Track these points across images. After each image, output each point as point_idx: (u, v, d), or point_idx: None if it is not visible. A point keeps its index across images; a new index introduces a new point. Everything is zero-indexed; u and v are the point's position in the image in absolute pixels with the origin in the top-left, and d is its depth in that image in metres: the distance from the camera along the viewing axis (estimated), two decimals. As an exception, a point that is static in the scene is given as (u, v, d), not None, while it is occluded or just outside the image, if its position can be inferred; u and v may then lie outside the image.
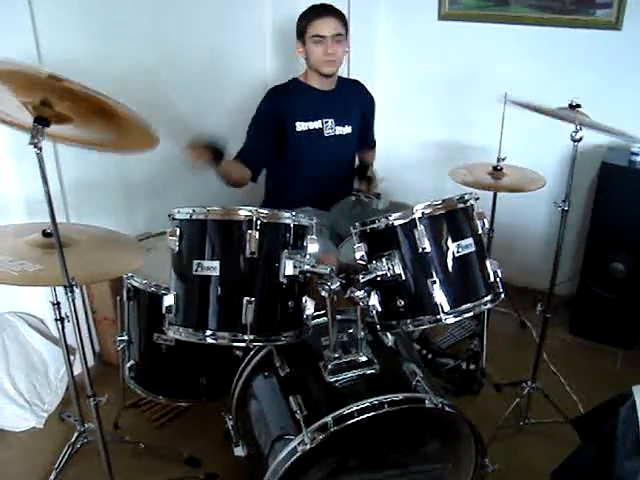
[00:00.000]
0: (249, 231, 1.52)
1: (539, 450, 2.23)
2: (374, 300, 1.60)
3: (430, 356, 2.65)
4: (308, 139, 2.46)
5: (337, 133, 2.53)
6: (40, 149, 1.41)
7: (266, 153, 2.45)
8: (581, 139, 1.92)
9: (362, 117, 2.65)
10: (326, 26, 2.33)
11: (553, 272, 2.18)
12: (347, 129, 2.55)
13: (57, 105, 1.42)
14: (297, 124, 2.44)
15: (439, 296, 1.56)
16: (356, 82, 2.73)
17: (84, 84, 1.38)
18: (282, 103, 2.44)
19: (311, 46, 2.36)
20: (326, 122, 2.50)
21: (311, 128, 2.47)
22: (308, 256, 1.62)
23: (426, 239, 1.55)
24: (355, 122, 2.58)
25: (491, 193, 2.62)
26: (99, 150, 1.72)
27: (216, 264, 1.54)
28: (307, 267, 1.59)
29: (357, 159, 2.74)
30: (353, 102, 2.59)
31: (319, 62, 2.38)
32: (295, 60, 2.57)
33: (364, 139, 2.75)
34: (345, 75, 3.16)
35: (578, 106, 1.95)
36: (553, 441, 2.21)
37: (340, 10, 2.39)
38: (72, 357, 2.01)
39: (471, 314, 1.62)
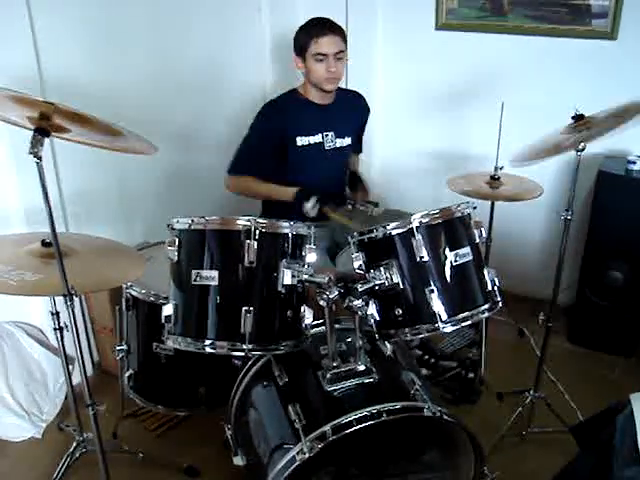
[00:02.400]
0: (247, 241, 1.53)
1: (542, 459, 2.22)
2: (372, 309, 1.61)
3: (433, 360, 2.64)
4: (309, 153, 2.45)
5: (337, 146, 2.52)
6: (40, 158, 1.43)
7: (268, 159, 2.44)
8: (584, 149, 1.93)
9: (358, 127, 2.66)
10: (329, 45, 2.30)
11: (556, 281, 2.18)
12: (347, 140, 2.56)
13: (55, 119, 1.44)
14: (298, 139, 2.43)
15: (437, 305, 1.56)
16: (356, 93, 2.72)
17: (77, 108, 1.40)
18: (281, 119, 2.42)
19: (313, 63, 2.33)
20: (326, 135, 2.49)
21: (312, 142, 2.46)
22: (306, 265, 1.63)
23: (424, 248, 1.56)
24: (354, 133, 2.59)
25: (489, 202, 2.62)
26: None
27: (215, 274, 1.55)
28: (305, 276, 1.60)
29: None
30: (352, 114, 2.59)
31: (321, 80, 2.36)
32: (294, 71, 2.58)
33: (355, 144, 2.72)
34: (343, 85, 3.18)
35: (582, 117, 1.96)
36: (556, 450, 2.20)
37: (340, 26, 2.37)
38: (71, 366, 2.01)
39: (469, 323, 1.62)
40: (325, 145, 2.50)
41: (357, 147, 2.78)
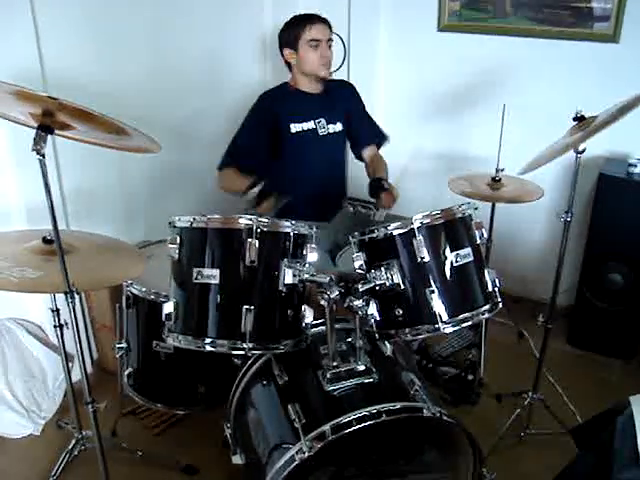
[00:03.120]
0: (249, 239, 1.53)
1: (540, 461, 2.22)
2: (373, 309, 1.61)
3: (431, 366, 2.64)
4: (304, 140, 2.50)
5: (330, 131, 2.57)
6: (43, 156, 1.42)
7: (258, 151, 2.47)
8: (584, 151, 1.94)
9: (350, 113, 2.65)
10: (321, 31, 2.40)
11: (555, 283, 2.18)
12: (338, 126, 2.59)
13: (59, 115, 1.44)
14: (292, 125, 2.48)
15: (437, 305, 1.57)
16: (343, 82, 2.77)
17: (81, 105, 1.40)
18: (275, 105, 2.49)
19: (307, 51, 2.41)
20: (319, 121, 2.54)
21: (305, 129, 2.50)
22: (307, 265, 1.63)
23: (425, 249, 1.56)
24: (343, 119, 2.61)
25: (489, 203, 2.62)
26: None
27: (216, 272, 1.54)
28: (306, 276, 1.60)
29: (367, 172, 2.66)
30: (338, 100, 2.62)
31: (316, 65, 2.43)
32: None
33: (361, 137, 2.72)
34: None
35: (583, 118, 1.96)
36: (554, 452, 2.20)
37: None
38: (70, 364, 2.01)
39: (469, 324, 1.63)
40: (319, 131, 2.54)
41: (373, 137, 2.74)
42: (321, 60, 2.42)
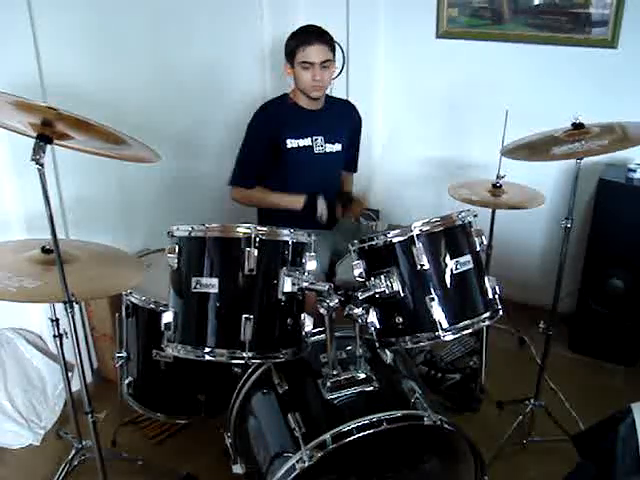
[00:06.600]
0: (248, 248, 1.52)
1: (542, 468, 2.21)
2: (373, 317, 1.60)
3: (439, 375, 2.62)
4: (298, 156, 2.49)
5: (327, 151, 2.56)
6: (42, 165, 1.42)
7: (261, 167, 2.51)
8: (583, 157, 1.94)
9: (350, 136, 2.68)
10: (315, 53, 2.34)
11: (556, 289, 2.18)
12: (337, 147, 2.59)
13: (58, 125, 1.44)
14: (288, 141, 2.47)
15: (438, 313, 1.56)
16: (346, 102, 2.77)
17: (81, 115, 1.41)
18: (273, 118, 2.49)
19: (299, 71, 2.39)
20: (315, 139, 2.53)
21: (301, 145, 2.50)
22: (307, 273, 1.63)
23: (424, 256, 1.55)
24: (344, 140, 2.62)
25: (489, 209, 2.62)
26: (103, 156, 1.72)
27: (215, 281, 1.54)
28: (306, 284, 1.59)
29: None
30: (341, 121, 2.63)
31: (307, 87, 2.42)
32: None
33: (350, 162, 2.78)
34: (344, 93, 3.19)
35: (581, 125, 1.96)
36: (556, 459, 2.19)
37: (329, 34, 2.40)
38: (70, 373, 2.01)
39: (470, 331, 1.62)
40: (315, 149, 2.53)
41: (351, 165, 2.82)
42: (312, 82, 2.39)
